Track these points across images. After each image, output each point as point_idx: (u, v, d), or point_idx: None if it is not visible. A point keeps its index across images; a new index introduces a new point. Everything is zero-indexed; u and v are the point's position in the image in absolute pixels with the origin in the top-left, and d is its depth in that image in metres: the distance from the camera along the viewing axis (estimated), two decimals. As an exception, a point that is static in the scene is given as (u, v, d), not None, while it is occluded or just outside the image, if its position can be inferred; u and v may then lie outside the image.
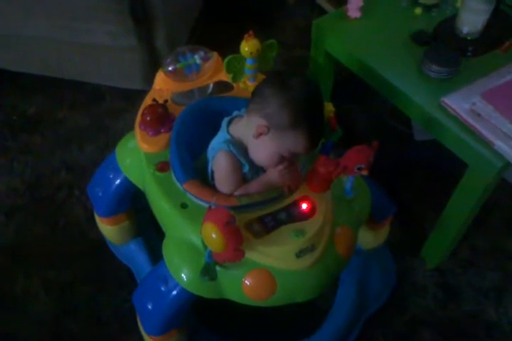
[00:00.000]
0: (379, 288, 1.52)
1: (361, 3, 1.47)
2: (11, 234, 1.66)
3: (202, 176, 1.15)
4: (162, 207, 1.15)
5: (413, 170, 1.80)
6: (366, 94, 1.82)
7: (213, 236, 0.95)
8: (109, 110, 1.97)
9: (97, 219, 1.52)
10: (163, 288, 1.15)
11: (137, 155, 1.23)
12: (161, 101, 1.23)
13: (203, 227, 0.97)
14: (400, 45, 1.44)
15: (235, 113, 1.18)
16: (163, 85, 1.30)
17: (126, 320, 1.47)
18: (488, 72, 1.33)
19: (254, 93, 1.09)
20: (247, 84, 1.28)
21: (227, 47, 1.28)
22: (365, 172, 1.04)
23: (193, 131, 1.20)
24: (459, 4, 1.46)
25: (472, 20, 1.38)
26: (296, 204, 1.08)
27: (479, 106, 1.24)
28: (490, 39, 1.41)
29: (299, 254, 1.04)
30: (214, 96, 1.30)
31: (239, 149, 1.11)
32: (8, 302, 1.53)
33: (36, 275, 1.57)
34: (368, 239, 1.44)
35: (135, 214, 1.51)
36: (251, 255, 1.03)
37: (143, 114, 1.21)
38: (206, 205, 1.05)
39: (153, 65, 1.82)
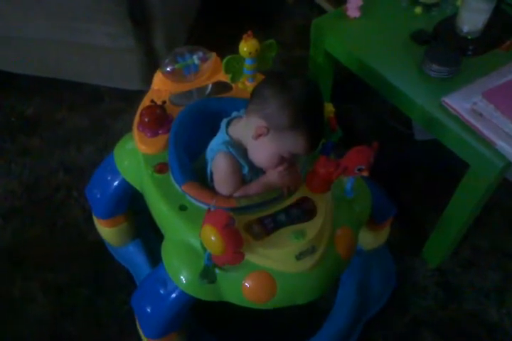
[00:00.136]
0: (379, 288, 1.52)
1: (361, 3, 1.46)
2: (8, 235, 1.66)
3: (201, 177, 1.14)
4: (161, 209, 1.14)
5: (413, 171, 1.80)
6: (366, 94, 1.82)
7: (212, 238, 0.94)
8: (108, 111, 1.97)
9: (96, 220, 1.52)
10: (162, 291, 1.14)
11: (135, 157, 1.22)
12: (159, 102, 1.22)
13: (202, 230, 0.97)
14: (400, 45, 1.43)
15: (234, 114, 1.17)
16: (161, 86, 1.29)
17: (125, 322, 1.46)
18: (488, 71, 1.32)
19: (253, 93, 1.08)
20: (246, 85, 1.27)
21: (226, 47, 1.28)
22: (365, 173, 1.04)
23: (192, 132, 1.19)
24: (459, 3, 1.46)
25: (473, 19, 1.38)
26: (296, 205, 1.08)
27: (480, 106, 1.24)
28: (490, 38, 1.40)
29: (299, 256, 1.03)
30: (213, 97, 1.29)
31: (238, 150, 1.10)
32: (6, 304, 1.52)
33: (34, 277, 1.57)
34: (369, 239, 1.43)
35: (133, 215, 1.50)
36: (251, 257, 1.02)
37: (141, 115, 1.20)
38: (205, 207, 1.04)
39: (151, 65, 1.81)
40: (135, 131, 1.22)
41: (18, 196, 1.74)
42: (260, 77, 1.25)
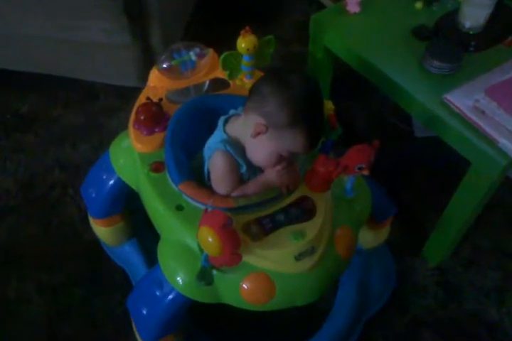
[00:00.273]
0: (379, 288, 1.51)
1: (360, -2, 1.45)
2: (3, 234, 1.64)
3: (198, 176, 1.13)
4: (157, 209, 1.13)
5: (413, 169, 1.79)
6: (366, 91, 1.81)
7: (210, 239, 0.93)
8: (104, 108, 1.96)
9: (91, 220, 1.50)
10: (158, 293, 1.13)
11: (131, 155, 1.21)
12: (155, 100, 1.21)
13: (199, 231, 0.95)
14: (400, 40, 1.42)
15: (232, 111, 1.15)
16: (157, 83, 1.28)
17: (122, 323, 1.44)
18: (491, 67, 1.31)
19: (251, 91, 1.07)
20: (244, 82, 1.26)
21: (224, 43, 1.26)
22: (365, 172, 1.03)
23: (189, 129, 1.18)
24: (460, -2, 1.44)
25: (475, 14, 1.36)
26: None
27: (483, 103, 1.23)
28: (493, 33, 1.39)
29: (299, 257, 1.02)
30: (210, 94, 1.28)
31: (236, 149, 1.09)
32: (1, 304, 1.51)
33: (29, 277, 1.55)
34: (368, 238, 1.42)
35: (129, 215, 1.49)
36: (249, 258, 1.01)
37: (137, 113, 1.19)
38: (202, 207, 1.04)
39: (148, 62, 1.80)
40: (131, 129, 1.20)
41: (13, 195, 1.73)
42: (258, 73, 1.24)
